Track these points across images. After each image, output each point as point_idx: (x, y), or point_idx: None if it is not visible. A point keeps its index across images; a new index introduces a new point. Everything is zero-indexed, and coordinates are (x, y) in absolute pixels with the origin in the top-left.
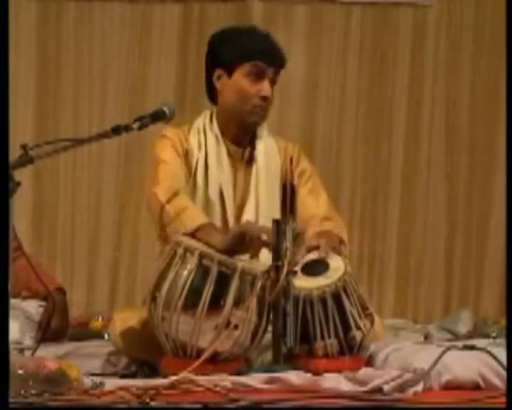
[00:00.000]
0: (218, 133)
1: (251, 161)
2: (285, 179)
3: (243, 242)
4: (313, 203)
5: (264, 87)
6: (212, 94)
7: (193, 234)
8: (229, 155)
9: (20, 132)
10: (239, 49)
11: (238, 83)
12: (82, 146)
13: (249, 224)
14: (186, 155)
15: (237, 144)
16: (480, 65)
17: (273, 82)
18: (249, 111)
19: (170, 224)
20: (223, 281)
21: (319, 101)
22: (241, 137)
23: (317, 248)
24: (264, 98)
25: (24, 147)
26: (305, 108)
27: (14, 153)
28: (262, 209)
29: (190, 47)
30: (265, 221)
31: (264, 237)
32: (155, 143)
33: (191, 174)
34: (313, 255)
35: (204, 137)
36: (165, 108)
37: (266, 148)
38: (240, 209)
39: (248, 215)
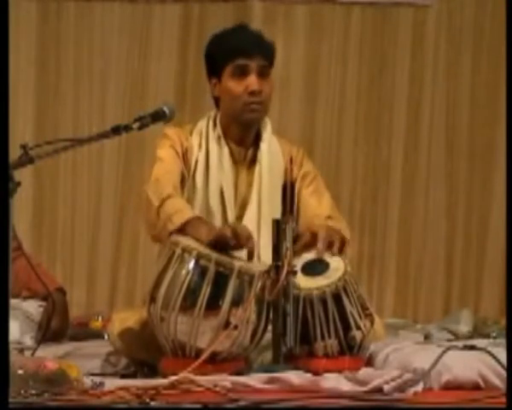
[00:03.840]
0: (220, 134)
1: (254, 161)
2: (285, 179)
3: (226, 244)
4: (316, 204)
5: (250, 82)
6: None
7: (182, 229)
8: (232, 155)
9: (20, 132)
10: (220, 53)
11: (226, 85)
12: (82, 146)
13: (239, 228)
14: (186, 153)
15: (240, 145)
16: (480, 65)
17: (262, 74)
18: (241, 109)
19: (163, 227)
20: (220, 281)
21: (319, 101)
22: (243, 137)
23: (314, 238)
24: (253, 93)
25: (24, 147)
26: (305, 108)
27: (14, 153)
28: (264, 209)
29: (190, 47)
30: (267, 222)
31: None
32: (157, 141)
33: (190, 173)
34: (312, 254)
35: (206, 137)
36: (165, 108)
37: (270, 149)
38: (242, 209)
39: (250, 215)
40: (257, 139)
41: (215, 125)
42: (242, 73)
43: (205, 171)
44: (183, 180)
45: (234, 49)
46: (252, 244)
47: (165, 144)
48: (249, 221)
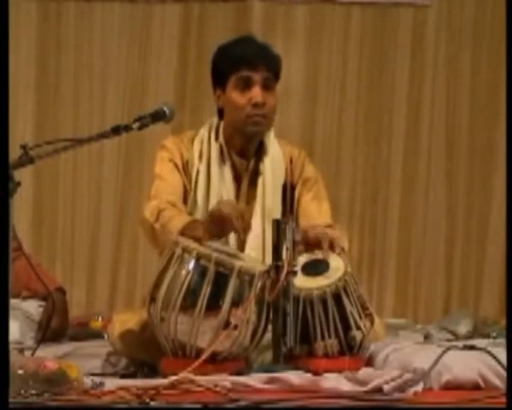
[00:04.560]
0: (223, 144)
1: (256, 173)
2: (285, 180)
3: (222, 224)
4: (316, 210)
5: (254, 94)
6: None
7: (181, 234)
8: (234, 166)
9: (20, 132)
10: (225, 64)
11: (230, 97)
12: (82, 146)
13: (223, 205)
14: (186, 165)
15: (242, 156)
16: (479, 65)
17: (266, 87)
18: (244, 122)
19: (160, 238)
20: (220, 281)
21: (319, 101)
22: (246, 149)
23: (316, 235)
24: (256, 105)
25: (24, 147)
26: (305, 109)
27: (14, 153)
28: (268, 219)
29: (190, 47)
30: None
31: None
32: (156, 153)
33: (191, 185)
34: (313, 255)
35: (207, 148)
36: (165, 108)
37: (273, 157)
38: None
39: (255, 225)
40: (259, 150)
41: (217, 135)
42: (246, 84)
43: (206, 182)
44: (185, 192)
45: (238, 60)
46: (245, 218)
47: (163, 158)
48: (254, 234)
